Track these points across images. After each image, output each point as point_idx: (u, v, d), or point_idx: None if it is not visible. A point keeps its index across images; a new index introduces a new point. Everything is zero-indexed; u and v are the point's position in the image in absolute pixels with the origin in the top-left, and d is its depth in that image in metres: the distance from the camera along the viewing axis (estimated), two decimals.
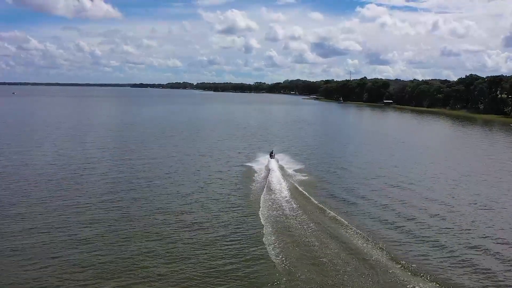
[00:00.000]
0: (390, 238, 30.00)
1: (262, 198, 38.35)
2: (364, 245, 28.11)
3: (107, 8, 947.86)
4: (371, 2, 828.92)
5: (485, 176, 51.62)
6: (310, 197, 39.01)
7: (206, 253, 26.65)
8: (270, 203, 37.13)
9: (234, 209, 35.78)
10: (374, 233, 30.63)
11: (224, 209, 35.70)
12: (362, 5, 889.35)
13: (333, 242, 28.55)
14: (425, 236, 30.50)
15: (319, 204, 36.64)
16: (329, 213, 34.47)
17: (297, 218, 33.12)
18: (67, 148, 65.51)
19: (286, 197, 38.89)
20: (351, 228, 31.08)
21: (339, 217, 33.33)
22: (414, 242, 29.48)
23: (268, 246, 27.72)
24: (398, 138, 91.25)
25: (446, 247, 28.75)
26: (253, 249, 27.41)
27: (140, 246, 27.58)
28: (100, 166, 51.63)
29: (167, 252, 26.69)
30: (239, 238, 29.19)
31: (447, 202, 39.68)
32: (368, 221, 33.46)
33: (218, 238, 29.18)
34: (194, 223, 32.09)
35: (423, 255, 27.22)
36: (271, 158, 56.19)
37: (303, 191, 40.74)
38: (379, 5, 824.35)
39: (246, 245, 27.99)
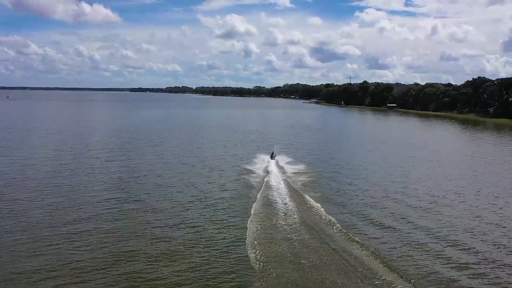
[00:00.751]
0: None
1: (264, 224, 30.03)
2: None
3: (106, 12, 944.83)
4: (370, 7, 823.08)
5: None
6: (333, 219, 30.79)
7: None
8: (272, 231, 28.72)
9: (226, 248, 26.96)
10: (425, 276, 22.35)
11: (214, 248, 26.79)
12: (361, 10, 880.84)
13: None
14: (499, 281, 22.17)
15: (350, 233, 28.36)
16: (358, 241, 26.18)
17: (315, 253, 24.83)
18: (41, 156, 57.19)
19: (296, 223, 30.41)
20: (388, 264, 22.82)
21: (374, 250, 25.05)
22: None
23: None
24: (412, 144, 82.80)
25: None
26: None
27: None
28: (75, 180, 43.33)
29: None
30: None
31: (506, 226, 31.34)
32: (412, 256, 25.03)
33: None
34: (172, 262, 23.64)
35: None
36: (272, 159, 53.81)
37: (321, 211, 32.52)
38: (378, 10, 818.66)
39: None
